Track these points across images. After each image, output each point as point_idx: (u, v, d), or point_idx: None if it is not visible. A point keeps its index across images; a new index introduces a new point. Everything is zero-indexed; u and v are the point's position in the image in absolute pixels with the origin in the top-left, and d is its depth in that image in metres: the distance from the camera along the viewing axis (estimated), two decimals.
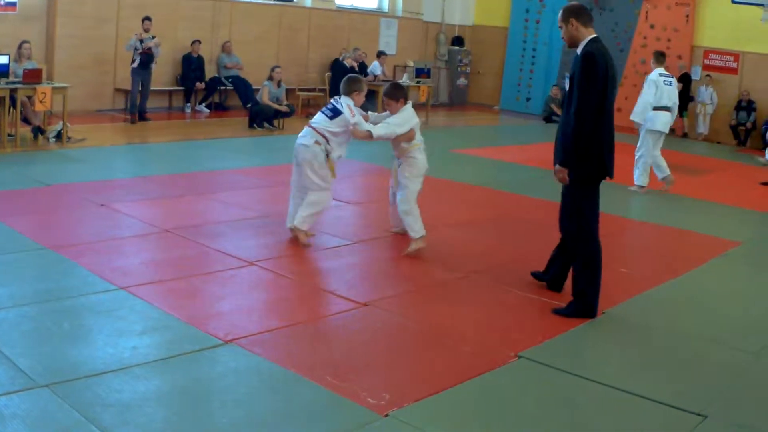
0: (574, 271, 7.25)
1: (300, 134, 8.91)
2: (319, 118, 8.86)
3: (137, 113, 17.41)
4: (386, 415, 5.05)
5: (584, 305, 7.14)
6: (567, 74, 7.38)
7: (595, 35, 7.01)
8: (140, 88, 17.40)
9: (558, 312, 7.20)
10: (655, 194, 13.62)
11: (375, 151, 14.19)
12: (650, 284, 8.31)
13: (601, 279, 7.20)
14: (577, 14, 7.00)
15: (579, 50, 6.99)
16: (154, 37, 17.22)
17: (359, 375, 5.63)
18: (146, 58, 17.18)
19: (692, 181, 15.43)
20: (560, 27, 7.13)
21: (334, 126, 8.72)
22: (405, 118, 8.85)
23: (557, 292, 7.71)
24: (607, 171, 7.03)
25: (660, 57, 14.24)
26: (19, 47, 14.70)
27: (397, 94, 8.98)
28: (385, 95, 9.04)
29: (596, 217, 7.21)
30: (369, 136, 8.64)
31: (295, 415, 5.02)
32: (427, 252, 8.85)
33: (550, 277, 7.83)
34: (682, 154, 17.55)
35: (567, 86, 7.50)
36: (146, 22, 17.18)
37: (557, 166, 7.03)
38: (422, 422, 5.01)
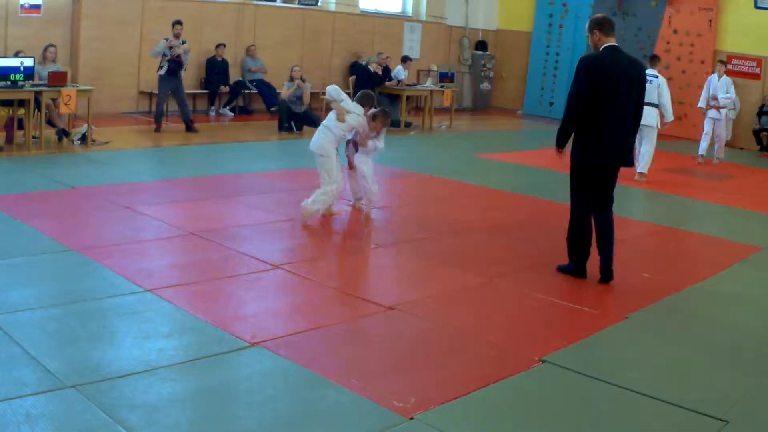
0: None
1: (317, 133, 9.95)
2: (330, 119, 10.01)
3: (160, 122, 16.62)
4: (411, 418, 5.03)
5: (575, 267, 8.29)
6: None
7: (612, 44, 8.05)
8: (172, 97, 16.84)
9: (560, 268, 8.44)
10: (676, 199, 13.58)
11: (402, 156, 14.19)
12: (673, 289, 8.24)
13: (588, 248, 8.24)
14: (600, 26, 8.07)
15: None
16: (184, 42, 16.58)
17: (385, 378, 5.62)
18: (175, 66, 16.41)
19: (714, 186, 15.37)
20: (587, 36, 8.19)
21: (345, 128, 10.03)
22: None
23: (606, 282, 8.24)
24: (596, 160, 8.00)
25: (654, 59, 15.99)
26: (45, 50, 14.78)
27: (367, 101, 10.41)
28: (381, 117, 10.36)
29: (587, 199, 8.13)
30: (376, 149, 10.43)
31: (321, 417, 5.01)
32: (451, 256, 8.86)
33: (600, 269, 8.33)
34: (705, 159, 17.46)
35: None
36: (177, 26, 16.49)
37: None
38: (447, 425, 4.99)
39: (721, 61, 18.57)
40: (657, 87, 14.77)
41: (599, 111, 7.84)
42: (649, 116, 14.39)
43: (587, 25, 8.17)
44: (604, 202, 8.18)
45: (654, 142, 15.01)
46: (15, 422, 4.55)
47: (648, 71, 14.18)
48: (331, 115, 9.95)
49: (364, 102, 10.27)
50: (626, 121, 8.05)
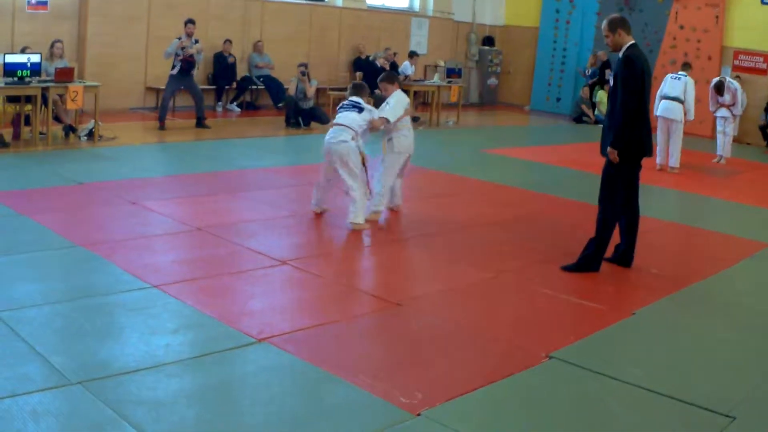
0: (596, 228, 8.41)
1: (330, 133, 9.61)
2: (349, 116, 9.71)
3: (163, 119, 16.51)
4: (418, 414, 5.02)
5: (593, 261, 8.41)
6: (610, 73, 8.15)
7: (633, 41, 8.30)
8: (178, 95, 16.88)
9: (566, 268, 8.40)
10: (683, 195, 13.57)
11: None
12: (680, 285, 8.24)
13: (607, 244, 8.44)
14: (623, 25, 8.29)
15: (621, 54, 8.24)
16: (197, 41, 16.51)
17: (392, 374, 5.61)
18: (187, 66, 16.35)
19: (721, 182, 15.34)
20: (606, 35, 8.37)
21: (362, 121, 9.71)
22: (398, 100, 10.12)
23: (627, 266, 8.66)
24: (645, 151, 8.33)
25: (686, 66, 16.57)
26: (51, 46, 14.77)
27: (393, 79, 10.54)
28: (380, 81, 10.43)
29: (633, 189, 8.55)
30: (387, 121, 9.93)
31: (328, 413, 5.00)
32: (458, 252, 8.85)
33: (620, 254, 8.74)
34: (712, 155, 17.42)
35: (611, 83, 8.44)
36: (189, 25, 16.36)
37: (609, 148, 8.20)
38: (454, 422, 4.98)
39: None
40: (684, 84, 15.65)
41: (644, 105, 8.20)
42: (677, 111, 15.52)
43: (607, 25, 8.34)
44: (635, 192, 8.60)
45: (681, 135, 15.70)
46: (21, 418, 4.55)
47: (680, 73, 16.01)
48: (346, 114, 9.75)
49: (360, 93, 10.10)
50: (648, 114, 8.42)
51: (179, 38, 16.28)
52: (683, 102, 15.60)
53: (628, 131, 8.10)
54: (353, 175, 9.42)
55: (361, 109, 9.76)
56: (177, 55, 16.22)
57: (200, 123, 16.92)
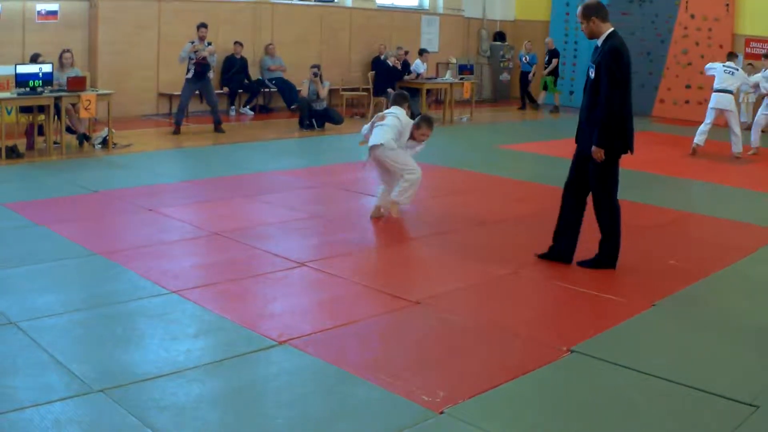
0: (602, 229, 8.15)
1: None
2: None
3: (180, 123, 16.67)
4: (441, 413, 5.00)
5: (610, 258, 8.14)
6: (591, 64, 7.82)
7: (613, 29, 7.85)
8: (200, 100, 16.94)
9: (583, 264, 8.19)
10: (699, 184, 13.53)
11: (424, 150, 14.10)
12: (699, 275, 8.16)
13: (620, 236, 8.15)
14: (597, 12, 7.80)
15: (600, 42, 7.85)
16: (210, 44, 16.61)
17: (413, 373, 5.59)
18: (202, 69, 16.43)
19: (736, 170, 15.27)
20: (581, 23, 7.90)
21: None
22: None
23: (568, 263, 8.28)
24: (629, 146, 7.93)
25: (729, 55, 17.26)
26: (60, 56, 14.77)
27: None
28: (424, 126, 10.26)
29: (617, 183, 8.09)
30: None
31: (350, 414, 4.99)
32: (476, 248, 8.83)
33: (562, 249, 8.33)
34: (727, 143, 17.33)
35: (592, 75, 7.92)
36: (202, 29, 16.54)
37: (594, 147, 7.81)
38: (477, 419, 4.95)
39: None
40: (738, 80, 16.58)
41: (629, 97, 7.84)
42: (729, 101, 16.47)
43: (581, 12, 7.87)
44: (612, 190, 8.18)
45: (738, 121, 16.63)
46: (44, 427, 4.54)
47: (729, 64, 16.60)
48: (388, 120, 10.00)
49: (399, 102, 10.40)
50: (632, 108, 8.03)
51: (192, 42, 16.38)
52: (733, 93, 16.50)
53: (615, 128, 7.75)
54: (402, 167, 9.85)
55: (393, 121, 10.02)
56: (190, 59, 16.30)
57: (217, 128, 16.99)
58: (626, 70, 7.72)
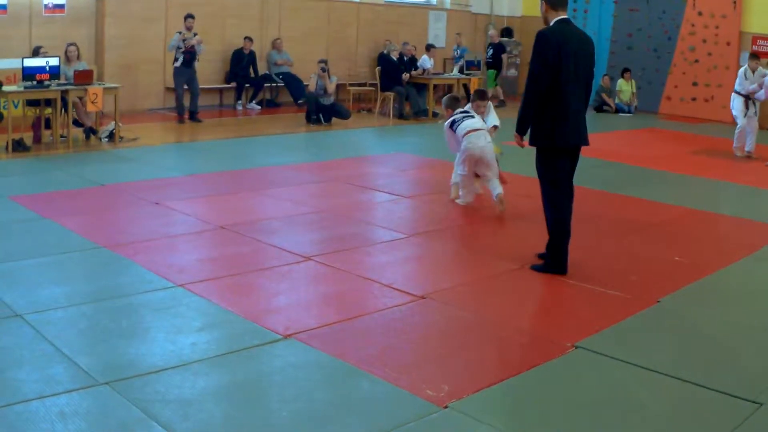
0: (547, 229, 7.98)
1: (470, 140, 10.29)
2: (476, 122, 10.59)
3: (187, 113, 17.38)
4: (446, 407, 5.00)
5: (553, 260, 7.85)
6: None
7: (563, 17, 7.74)
8: (186, 87, 17.31)
9: (534, 268, 7.94)
10: (705, 181, 13.48)
11: (430, 145, 14.17)
12: (704, 272, 8.15)
13: (566, 242, 7.90)
14: None
15: None
16: (196, 35, 17.17)
17: (418, 367, 5.59)
18: (189, 57, 17.15)
19: (742, 167, 15.23)
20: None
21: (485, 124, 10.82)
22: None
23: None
24: (555, 141, 7.62)
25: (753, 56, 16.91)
26: (65, 50, 14.77)
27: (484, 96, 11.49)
28: (478, 99, 11.29)
29: (558, 183, 7.89)
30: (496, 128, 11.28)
31: (355, 408, 4.99)
32: (481, 243, 8.87)
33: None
34: (732, 141, 17.30)
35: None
36: (189, 20, 17.15)
37: (514, 133, 7.89)
38: (481, 414, 4.95)
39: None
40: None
41: (560, 88, 7.53)
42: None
43: None
44: (564, 192, 8.04)
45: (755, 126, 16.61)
46: (49, 420, 4.55)
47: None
48: (476, 121, 10.59)
49: (461, 105, 11.11)
50: (582, 98, 7.80)
51: (179, 32, 17.09)
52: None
53: (528, 116, 7.63)
54: (495, 166, 10.54)
55: (473, 116, 10.65)
56: (179, 47, 17.01)
57: (193, 117, 17.54)
58: (550, 55, 7.47)
